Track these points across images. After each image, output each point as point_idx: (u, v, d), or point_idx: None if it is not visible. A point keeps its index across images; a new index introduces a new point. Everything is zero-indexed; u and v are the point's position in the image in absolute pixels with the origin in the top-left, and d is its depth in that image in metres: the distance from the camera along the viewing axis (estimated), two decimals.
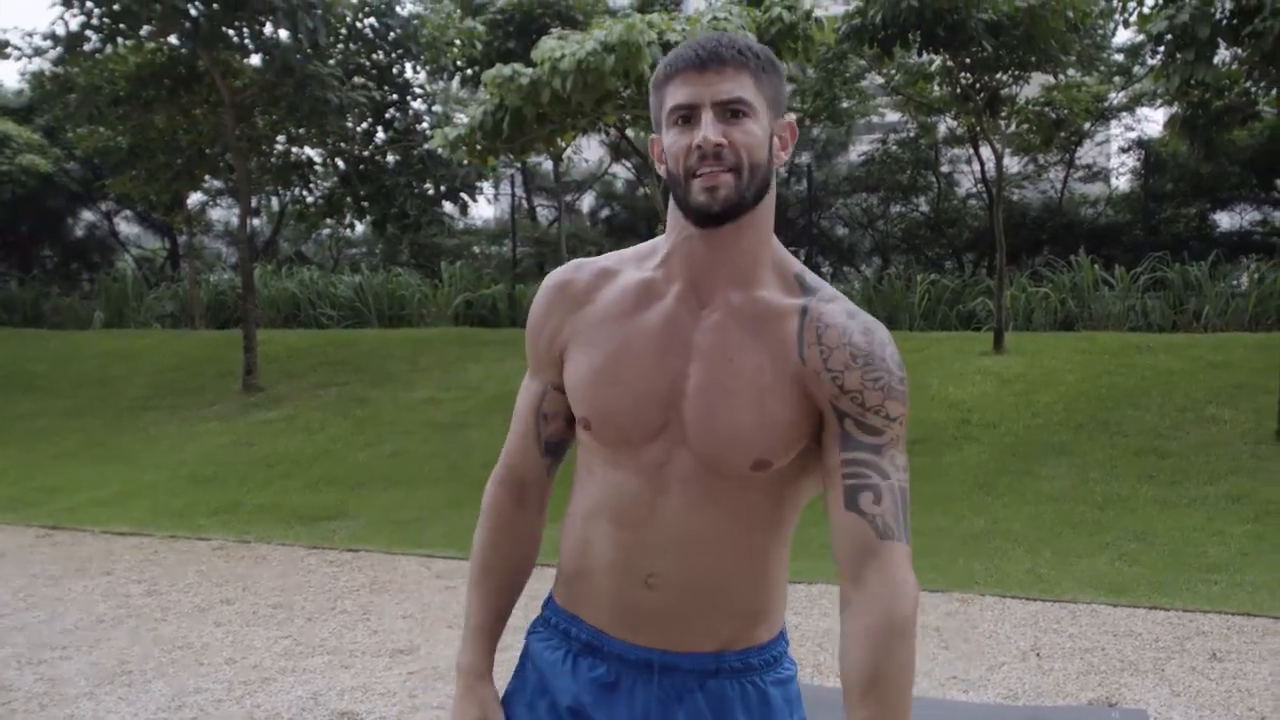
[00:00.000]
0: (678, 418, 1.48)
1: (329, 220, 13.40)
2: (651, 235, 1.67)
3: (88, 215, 19.77)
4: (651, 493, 1.50)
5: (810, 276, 1.54)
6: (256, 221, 19.30)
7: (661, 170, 1.51)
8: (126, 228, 20.34)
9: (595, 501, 1.55)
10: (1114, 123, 16.15)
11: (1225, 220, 15.26)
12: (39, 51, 10.94)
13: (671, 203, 1.52)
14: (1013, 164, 15.24)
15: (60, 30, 10.36)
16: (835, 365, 1.45)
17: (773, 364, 1.46)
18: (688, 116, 1.45)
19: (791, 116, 1.53)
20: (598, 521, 1.55)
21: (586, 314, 1.56)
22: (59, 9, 10.16)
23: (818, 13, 8.60)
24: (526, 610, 1.73)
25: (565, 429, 1.64)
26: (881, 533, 1.40)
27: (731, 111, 1.44)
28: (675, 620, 1.53)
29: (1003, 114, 10.97)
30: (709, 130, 1.42)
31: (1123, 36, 13.66)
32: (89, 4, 10.05)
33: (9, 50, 10.97)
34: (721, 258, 1.49)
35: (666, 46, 7.83)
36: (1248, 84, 9.09)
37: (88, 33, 10.32)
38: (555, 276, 1.62)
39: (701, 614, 1.53)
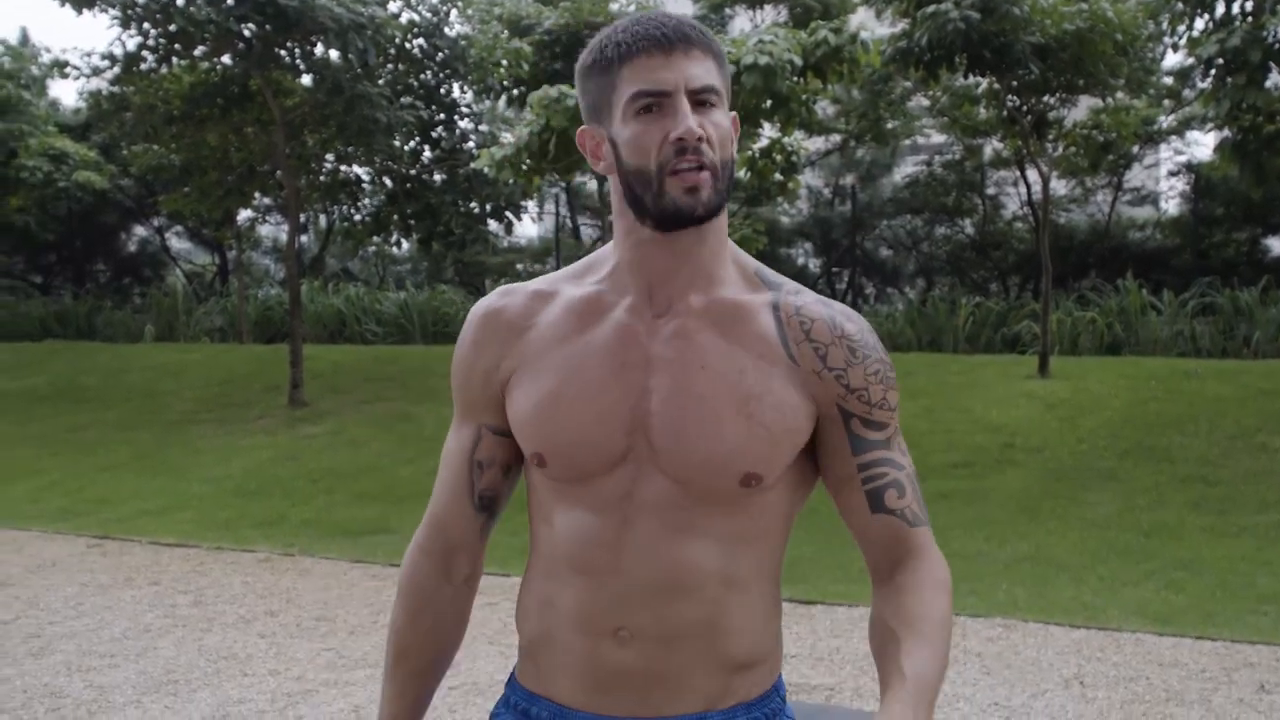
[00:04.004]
0: (644, 440, 1.32)
1: (375, 237, 13.59)
2: None
3: (140, 231, 20.19)
4: (615, 529, 1.32)
5: (770, 272, 1.41)
6: (304, 238, 19.58)
7: (599, 167, 1.35)
8: (177, 243, 20.72)
9: (553, 552, 1.37)
10: (1163, 146, 15.99)
11: (1277, 246, 15.05)
12: (96, 71, 11.20)
13: (619, 210, 1.35)
14: (1060, 187, 15.14)
15: (118, 51, 10.62)
16: (835, 363, 1.33)
17: (756, 366, 1.32)
18: (654, 104, 1.27)
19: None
20: (557, 574, 1.36)
21: (528, 341, 1.39)
22: (117, 30, 10.41)
23: (863, 35, 8.61)
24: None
25: (501, 481, 1.45)
26: (912, 522, 1.36)
27: (700, 101, 1.27)
28: (652, 680, 1.33)
29: (1050, 137, 10.90)
30: (691, 121, 1.25)
31: (1172, 60, 13.58)
32: (146, 26, 10.29)
33: (68, 70, 11.27)
34: (683, 262, 1.33)
35: None
36: None
37: (144, 53, 10.57)
38: (484, 305, 1.45)
39: (683, 670, 1.33)
